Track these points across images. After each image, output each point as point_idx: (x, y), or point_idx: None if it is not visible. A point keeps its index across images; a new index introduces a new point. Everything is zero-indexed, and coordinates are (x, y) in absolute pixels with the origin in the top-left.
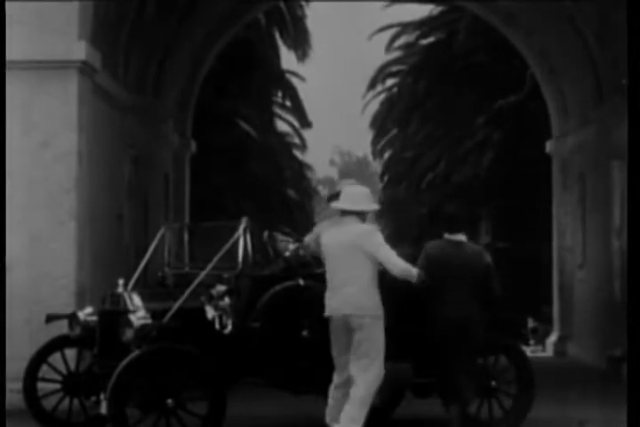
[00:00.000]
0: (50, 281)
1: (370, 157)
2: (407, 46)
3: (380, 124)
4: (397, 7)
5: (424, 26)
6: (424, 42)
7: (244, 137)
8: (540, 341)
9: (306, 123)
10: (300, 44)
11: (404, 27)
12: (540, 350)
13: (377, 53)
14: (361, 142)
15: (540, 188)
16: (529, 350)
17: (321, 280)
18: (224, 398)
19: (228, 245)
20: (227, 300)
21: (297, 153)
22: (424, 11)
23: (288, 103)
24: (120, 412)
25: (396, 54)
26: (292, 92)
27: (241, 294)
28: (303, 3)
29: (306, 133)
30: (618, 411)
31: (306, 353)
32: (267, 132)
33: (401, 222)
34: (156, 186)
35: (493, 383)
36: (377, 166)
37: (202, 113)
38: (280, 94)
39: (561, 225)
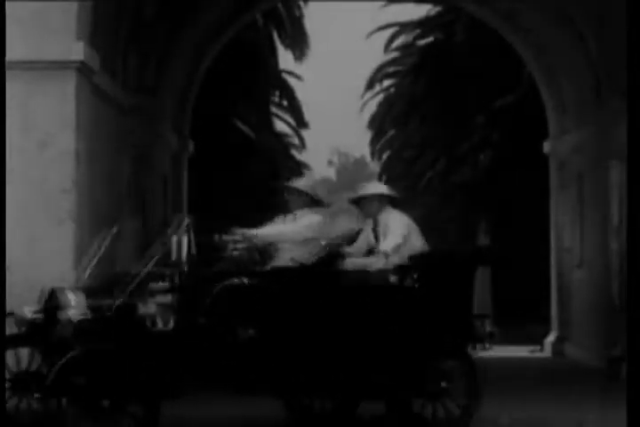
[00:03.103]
0: (48, 281)
1: (368, 158)
2: (405, 46)
3: (379, 124)
4: (395, 7)
5: (422, 26)
6: (422, 42)
7: (242, 137)
8: (539, 341)
9: (302, 123)
10: (298, 44)
11: (402, 27)
12: (539, 351)
13: (375, 54)
14: (359, 143)
15: (538, 188)
16: (488, 351)
17: (265, 278)
18: (157, 400)
19: (167, 242)
20: (169, 296)
21: (295, 153)
22: (422, 11)
23: (285, 103)
24: (56, 411)
25: (393, 54)
26: (289, 93)
27: (185, 290)
28: (301, 3)
29: (304, 134)
30: (617, 411)
31: (251, 352)
32: (265, 132)
33: None
34: (155, 186)
35: (443, 384)
36: (375, 167)
37: (200, 113)
38: (278, 94)
39: (558, 225)
